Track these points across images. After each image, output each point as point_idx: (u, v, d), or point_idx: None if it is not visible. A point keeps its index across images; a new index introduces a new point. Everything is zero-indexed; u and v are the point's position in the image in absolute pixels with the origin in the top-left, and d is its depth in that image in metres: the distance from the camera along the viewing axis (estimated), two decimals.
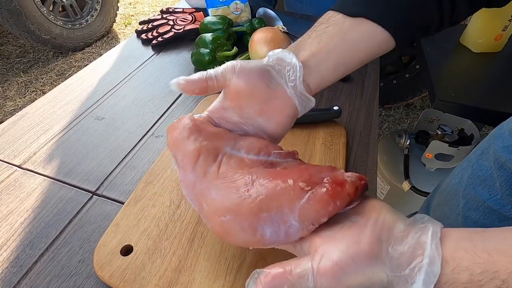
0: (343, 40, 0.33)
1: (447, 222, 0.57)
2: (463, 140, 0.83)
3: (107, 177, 0.44)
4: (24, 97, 1.58)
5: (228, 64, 0.32)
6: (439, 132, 0.84)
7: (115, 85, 0.60)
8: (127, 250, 0.34)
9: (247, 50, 0.65)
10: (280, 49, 0.33)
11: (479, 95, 0.63)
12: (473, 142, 0.81)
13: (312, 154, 0.47)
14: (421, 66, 1.39)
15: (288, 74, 0.31)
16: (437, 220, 0.23)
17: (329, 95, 0.62)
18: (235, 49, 0.63)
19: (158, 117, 0.54)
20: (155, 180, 0.41)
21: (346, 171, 0.46)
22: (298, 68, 0.31)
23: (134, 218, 0.37)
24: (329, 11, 0.36)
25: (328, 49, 0.33)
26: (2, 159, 0.45)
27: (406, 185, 0.83)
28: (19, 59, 1.85)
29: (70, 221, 0.38)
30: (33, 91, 1.62)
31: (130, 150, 0.48)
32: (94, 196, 0.41)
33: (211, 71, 0.32)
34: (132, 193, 0.40)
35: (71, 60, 1.86)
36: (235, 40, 0.69)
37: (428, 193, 0.83)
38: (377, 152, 0.52)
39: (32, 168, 0.44)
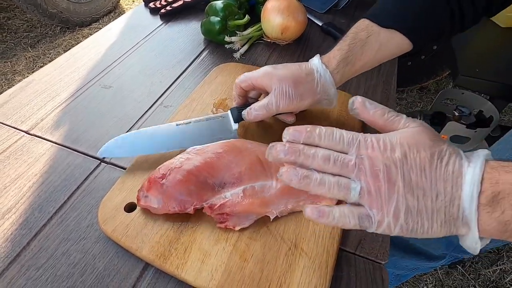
0: (379, 50, 0.41)
1: None
2: (481, 122, 0.80)
3: None
4: (33, 71, 1.58)
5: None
6: (456, 114, 0.80)
7: (122, 54, 0.58)
8: (131, 207, 0.34)
9: (259, 20, 0.62)
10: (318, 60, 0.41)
11: (506, 71, 0.59)
12: (492, 124, 0.77)
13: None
14: (439, 47, 1.32)
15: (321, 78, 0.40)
16: None
17: None
18: (247, 17, 0.60)
19: (167, 87, 0.52)
20: None
21: None
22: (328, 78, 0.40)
23: (140, 177, 0.37)
24: (365, 19, 0.42)
25: (366, 61, 0.41)
26: (9, 124, 0.44)
27: None
28: (27, 33, 1.83)
29: (78, 187, 0.38)
30: (41, 66, 1.61)
31: (138, 119, 0.47)
32: (102, 163, 0.41)
33: None
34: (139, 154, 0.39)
35: (78, 36, 1.83)
36: (247, 10, 0.66)
37: None
38: None
39: (39, 134, 0.43)
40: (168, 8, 0.69)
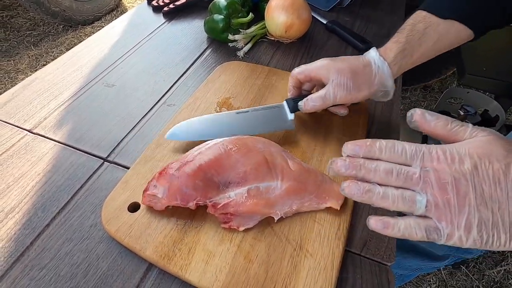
0: (437, 41, 0.40)
1: None
2: (486, 121, 0.79)
3: (118, 144, 0.43)
4: (35, 70, 1.58)
5: None
6: (462, 113, 0.79)
7: (125, 52, 0.58)
8: (134, 207, 0.34)
9: (263, 18, 0.62)
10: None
11: None
12: (498, 124, 0.76)
13: (329, 127, 0.45)
14: None
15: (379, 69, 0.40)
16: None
17: None
18: (250, 15, 0.59)
19: (170, 86, 0.52)
20: (165, 143, 0.40)
21: None
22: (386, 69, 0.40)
23: (143, 177, 0.36)
24: (421, 11, 0.41)
25: (423, 52, 0.41)
26: (12, 123, 0.44)
27: None
28: (30, 32, 1.83)
29: (82, 186, 0.38)
30: (43, 65, 1.62)
31: (141, 118, 0.46)
32: (105, 162, 0.40)
33: None
34: (143, 153, 0.39)
35: (80, 34, 1.83)
36: (250, 8, 0.65)
37: None
38: (401, 129, 0.49)
39: (42, 133, 0.43)
40: (171, 6, 0.68)
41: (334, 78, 0.39)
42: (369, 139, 0.27)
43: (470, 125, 0.26)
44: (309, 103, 0.40)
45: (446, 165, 0.24)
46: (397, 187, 0.25)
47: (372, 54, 0.41)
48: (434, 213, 0.24)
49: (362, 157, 0.27)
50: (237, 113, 0.42)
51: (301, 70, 0.42)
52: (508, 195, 0.23)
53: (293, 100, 0.42)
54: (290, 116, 0.42)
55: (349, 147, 0.27)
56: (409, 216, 0.25)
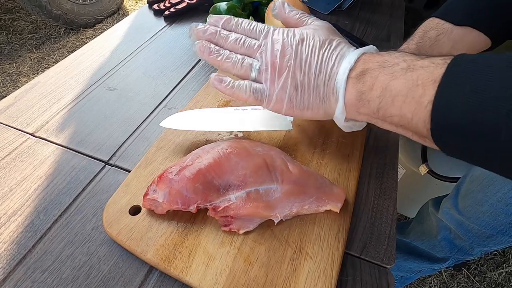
0: (452, 49, 0.39)
1: (480, 210, 0.55)
2: None
3: (119, 148, 0.43)
4: (37, 73, 1.59)
5: None
6: None
7: (127, 56, 0.58)
8: (135, 210, 0.34)
9: (263, 21, 0.62)
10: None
11: None
12: None
13: (329, 130, 0.45)
14: None
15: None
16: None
17: None
18: (250, 19, 0.59)
19: (171, 89, 0.52)
20: (166, 146, 0.41)
21: (365, 152, 0.44)
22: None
23: (144, 180, 0.37)
24: (434, 18, 0.41)
25: None
26: (15, 126, 0.45)
27: (423, 169, 0.80)
28: (32, 35, 1.85)
29: (83, 190, 0.38)
30: (45, 68, 1.63)
31: (143, 121, 0.47)
32: (106, 165, 0.41)
33: None
34: (144, 156, 0.40)
35: (82, 37, 1.85)
36: (251, 11, 0.66)
37: (446, 177, 0.80)
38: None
39: (44, 136, 0.44)
40: (172, 9, 0.69)
41: None
42: (230, 16, 0.34)
43: (313, 17, 0.33)
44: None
45: (281, 37, 0.30)
46: (242, 55, 0.31)
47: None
48: (263, 76, 0.30)
49: (220, 27, 0.32)
50: (235, 109, 0.43)
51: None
52: (317, 61, 0.29)
53: None
54: (289, 117, 0.41)
55: (213, 18, 0.33)
56: (246, 80, 0.31)
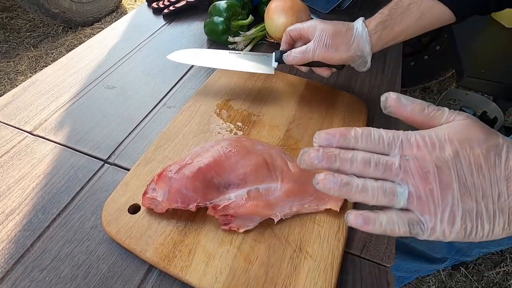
0: (419, 19, 0.41)
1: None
2: (485, 123, 0.79)
3: (118, 146, 0.43)
4: (35, 71, 1.58)
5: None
6: None
7: (125, 54, 0.58)
8: (134, 209, 0.34)
9: (263, 20, 0.62)
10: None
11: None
12: (496, 126, 0.77)
13: (330, 126, 0.45)
14: (442, 47, 1.32)
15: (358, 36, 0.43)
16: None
17: (348, 70, 0.58)
18: (250, 17, 0.59)
19: (170, 87, 0.52)
20: (166, 144, 0.41)
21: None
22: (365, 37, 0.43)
23: (143, 179, 0.37)
24: None
25: (404, 27, 0.42)
26: (13, 124, 0.44)
27: None
28: (29, 33, 1.84)
29: (82, 188, 0.38)
30: (43, 66, 1.62)
31: (142, 120, 0.46)
32: (105, 164, 0.40)
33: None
34: (143, 155, 0.39)
35: (80, 36, 1.84)
36: (250, 10, 0.65)
37: None
38: (400, 129, 0.49)
39: (43, 135, 0.43)
40: (171, 8, 0.68)
41: (317, 36, 0.42)
42: (343, 127, 0.25)
43: (446, 109, 0.25)
44: (291, 55, 0.45)
45: (427, 152, 0.23)
46: (376, 179, 0.23)
47: (358, 21, 0.44)
48: (416, 206, 0.23)
49: (336, 147, 0.25)
50: (230, 52, 0.49)
51: (294, 28, 0.46)
52: (490, 181, 0.22)
53: (281, 52, 0.47)
54: (274, 64, 0.47)
55: (322, 136, 0.25)
56: (390, 210, 0.24)
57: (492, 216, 0.22)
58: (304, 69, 0.48)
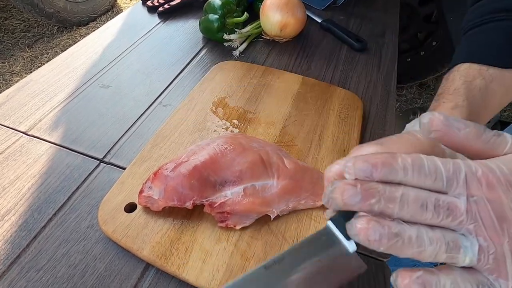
0: (505, 95, 0.33)
1: None
2: None
3: (114, 145, 0.43)
4: (30, 72, 1.57)
5: None
6: None
7: (120, 53, 0.58)
8: (131, 208, 0.34)
9: (258, 17, 0.62)
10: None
11: None
12: (492, 121, 0.77)
13: (325, 125, 0.45)
14: (438, 43, 1.32)
15: None
16: None
17: (344, 67, 0.58)
18: (245, 15, 0.59)
19: (166, 86, 0.52)
20: (162, 143, 0.40)
21: None
22: None
23: (139, 178, 0.36)
24: (470, 64, 0.33)
25: (490, 110, 0.33)
26: (7, 125, 0.44)
27: None
28: (24, 33, 1.82)
29: (78, 188, 0.38)
30: (38, 66, 1.61)
31: (137, 119, 0.46)
32: (101, 163, 0.40)
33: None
34: (139, 153, 0.39)
35: (75, 35, 1.82)
36: (245, 7, 0.65)
37: None
38: (395, 127, 0.49)
39: (38, 135, 0.43)
40: (165, 6, 0.68)
41: None
42: (385, 153, 0.18)
43: (508, 135, 0.19)
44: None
45: (502, 192, 0.17)
46: (431, 227, 0.17)
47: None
48: (487, 266, 0.17)
49: (378, 181, 0.18)
50: (266, 268, 0.22)
51: (341, 168, 0.22)
52: None
53: (344, 218, 0.21)
54: (351, 246, 0.21)
55: (359, 166, 0.18)
56: (451, 269, 0.18)
57: None
58: None
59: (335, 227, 0.22)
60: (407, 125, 0.34)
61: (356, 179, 0.18)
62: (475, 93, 0.32)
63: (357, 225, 0.18)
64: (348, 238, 0.21)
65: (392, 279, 0.18)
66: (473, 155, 0.19)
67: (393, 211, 0.17)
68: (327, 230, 0.22)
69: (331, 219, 0.22)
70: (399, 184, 0.18)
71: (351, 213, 0.21)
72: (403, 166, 0.18)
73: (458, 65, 0.34)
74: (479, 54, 0.34)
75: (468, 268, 0.17)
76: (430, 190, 0.17)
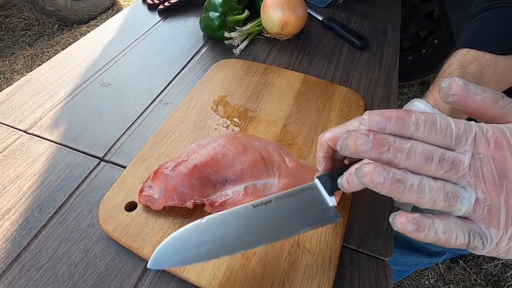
0: (500, 81, 0.34)
1: None
2: None
3: (114, 144, 0.42)
4: (31, 70, 1.57)
5: None
6: None
7: (121, 51, 0.58)
8: (131, 206, 0.34)
9: (259, 15, 0.61)
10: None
11: None
12: None
13: (326, 124, 0.45)
14: (440, 41, 1.31)
15: None
16: None
17: (345, 64, 0.58)
18: (246, 12, 0.59)
19: (166, 84, 0.52)
20: (162, 141, 0.40)
21: None
22: None
23: (140, 176, 0.36)
24: (467, 50, 0.34)
25: None
26: (8, 123, 0.44)
27: None
28: (24, 32, 1.82)
29: (78, 186, 0.37)
30: (39, 65, 1.60)
31: (138, 117, 0.46)
32: (102, 162, 0.40)
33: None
34: (139, 152, 0.39)
35: (76, 34, 1.82)
36: (246, 5, 0.65)
37: None
38: None
39: (38, 133, 0.43)
40: (166, 4, 0.68)
41: None
42: (401, 110, 0.20)
43: None
44: (354, 180, 0.24)
45: (509, 153, 0.18)
46: (434, 178, 0.19)
47: (421, 106, 0.33)
48: (482, 216, 0.19)
49: (389, 133, 0.20)
50: (254, 206, 0.27)
51: (334, 134, 0.28)
52: None
53: (329, 176, 0.27)
54: (331, 201, 0.27)
55: (374, 118, 0.20)
56: (447, 216, 0.20)
57: None
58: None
59: (320, 184, 0.28)
60: (404, 106, 0.35)
61: (369, 130, 0.20)
62: (468, 78, 0.32)
63: (365, 169, 0.19)
64: (330, 194, 0.27)
65: (390, 218, 0.20)
66: (489, 121, 0.20)
67: (400, 161, 0.19)
68: (313, 185, 0.28)
69: (318, 177, 0.28)
70: (410, 138, 0.20)
71: (336, 174, 0.26)
72: (416, 121, 0.19)
73: (457, 50, 0.35)
74: (476, 40, 0.34)
75: (463, 218, 0.19)
76: (440, 147, 0.19)
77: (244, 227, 0.26)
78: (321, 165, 0.29)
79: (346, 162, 0.30)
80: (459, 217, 0.20)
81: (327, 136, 0.28)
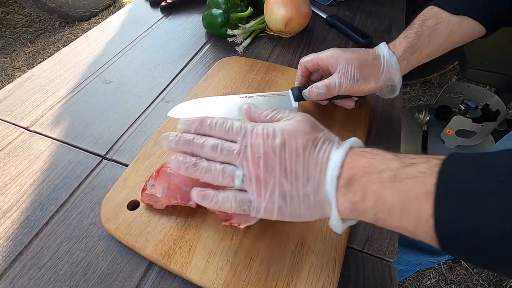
0: (448, 37, 0.40)
1: None
2: (487, 116, 0.78)
3: (116, 141, 0.42)
4: (32, 67, 1.56)
5: None
6: (462, 107, 0.79)
7: (123, 48, 0.57)
8: (133, 205, 0.34)
9: (262, 12, 0.61)
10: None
11: None
12: (499, 119, 0.76)
13: (331, 123, 0.44)
14: None
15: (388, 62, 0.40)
16: None
17: None
18: (250, 9, 0.58)
19: (169, 82, 0.51)
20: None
21: (367, 143, 0.43)
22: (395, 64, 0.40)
23: (142, 175, 0.36)
24: (433, 7, 0.41)
25: (433, 48, 0.40)
26: (9, 120, 0.44)
27: None
28: (26, 28, 1.81)
29: (80, 184, 0.37)
30: (40, 62, 1.60)
31: (140, 115, 0.46)
32: (103, 160, 0.40)
33: None
34: (142, 150, 0.39)
35: (77, 31, 1.81)
36: (249, 2, 0.64)
37: None
38: (402, 124, 0.48)
39: (39, 131, 0.43)
40: (168, 0, 0.67)
41: (341, 67, 0.39)
42: (203, 117, 0.29)
43: (287, 111, 0.29)
44: (314, 91, 0.40)
45: (261, 140, 0.26)
46: (222, 162, 0.27)
47: (382, 47, 0.40)
48: (249, 187, 0.26)
49: (193, 133, 0.29)
50: (240, 97, 0.41)
51: (310, 59, 0.41)
52: (303, 167, 0.25)
53: (299, 88, 0.42)
54: (294, 104, 0.41)
55: (183, 122, 0.29)
56: (230, 190, 0.27)
57: (302, 198, 0.26)
58: (324, 102, 0.44)
59: (291, 92, 0.43)
60: (375, 47, 0.41)
61: (180, 130, 0.29)
62: (424, 30, 0.40)
63: (172, 158, 0.28)
64: (296, 100, 0.42)
65: (191, 193, 0.29)
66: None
67: (198, 152, 0.28)
68: (286, 92, 0.43)
69: (291, 88, 0.43)
70: (209, 135, 0.28)
71: (303, 88, 0.41)
72: (210, 124, 0.28)
73: (430, 6, 0.41)
74: (440, 0, 0.41)
75: (243, 191, 0.27)
76: (228, 140, 0.28)
77: (234, 110, 0.35)
78: (297, 81, 0.43)
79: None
80: (240, 190, 0.27)
81: (305, 59, 0.42)
